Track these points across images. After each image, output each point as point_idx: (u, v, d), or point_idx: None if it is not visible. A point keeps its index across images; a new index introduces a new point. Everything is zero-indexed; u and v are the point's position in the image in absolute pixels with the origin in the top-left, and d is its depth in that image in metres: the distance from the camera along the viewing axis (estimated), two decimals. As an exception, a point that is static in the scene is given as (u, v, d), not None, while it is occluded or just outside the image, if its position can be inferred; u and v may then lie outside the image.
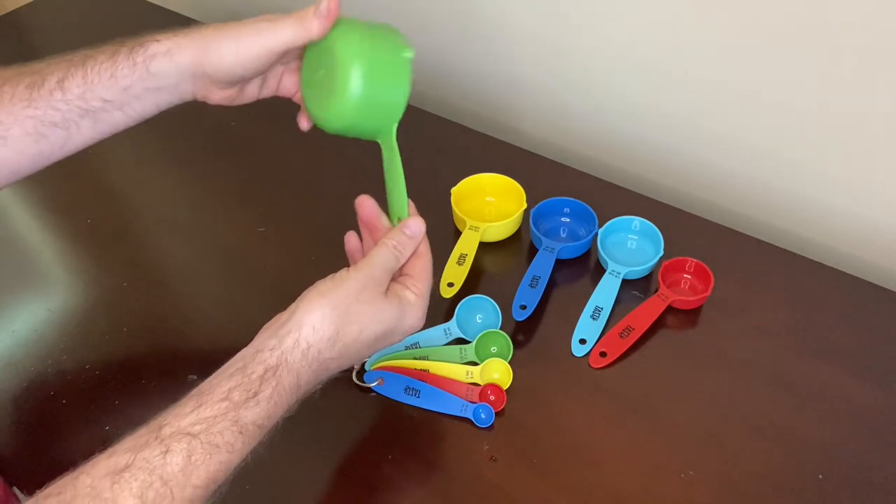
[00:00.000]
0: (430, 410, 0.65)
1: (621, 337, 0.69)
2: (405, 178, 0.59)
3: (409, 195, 0.59)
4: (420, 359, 0.68)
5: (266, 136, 0.96)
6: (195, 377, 0.66)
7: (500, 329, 0.70)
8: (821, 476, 0.60)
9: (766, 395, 0.66)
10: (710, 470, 0.61)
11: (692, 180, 0.90)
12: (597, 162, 0.97)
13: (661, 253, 0.74)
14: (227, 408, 0.49)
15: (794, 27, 0.72)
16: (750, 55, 0.76)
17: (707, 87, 0.82)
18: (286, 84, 0.63)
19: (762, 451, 0.62)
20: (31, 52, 1.15)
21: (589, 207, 0.79)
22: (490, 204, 0.83)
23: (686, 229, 0.80)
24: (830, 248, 0.83)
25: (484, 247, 0.78)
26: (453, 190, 0.81)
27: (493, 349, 0.69)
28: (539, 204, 0.79)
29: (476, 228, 0.77)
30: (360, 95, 0.55)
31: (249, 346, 0.53)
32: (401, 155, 0.58)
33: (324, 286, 0.54)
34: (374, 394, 0.67)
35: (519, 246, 0.80)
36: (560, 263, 0.76)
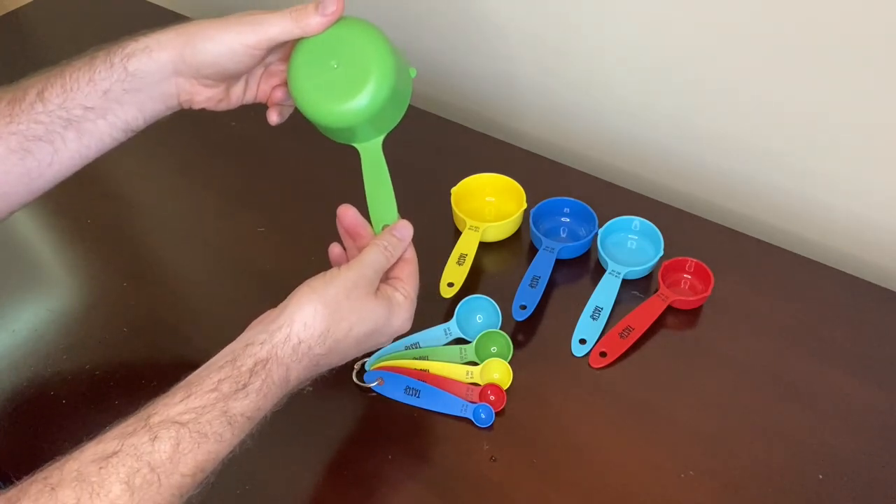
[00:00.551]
0: (430, 410, 0.65)
1: (621, 337, 0.69)
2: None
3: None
4: (420, 359, 0.68)
5: (266, 136, 0.95)
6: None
7: (500, 329, 0.70)
8: (821, 476, 0.60)
9: (766, 394, 0.66)
10: (710, 470, 0.61)
11: (692, 180, 0.90)
12: (597, 162, 0.97)
13: (661, 253, 0.74)
14: (216, 398, 0.49)
15: (794, 27, 0.72)
16: (750, 55, 0.76)
17: (707, 87, 0.82)
18: (264, 88, 0.63)
19: (762, 451, 0.62)
20: (31, 52, 1.15)
21: (589, 207, 0.79)
22: (490, 204, 0.83)
23: (686, 229, 0.80)
24: (830, 248, 0.83)
25: (484, 247, 0.78)
26: (453, 190, 0.81)
27: (493, 349, 0.69)
28: (539, 204, 0.79)
29: (476, 228, 0.77)
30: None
31: (238, 339, 0.53)
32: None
33: (315, 283, 0.55)
34: (374, 394, 0.67)
35: (519, 246, 0.80)
36: (560, 263, 0.76)
